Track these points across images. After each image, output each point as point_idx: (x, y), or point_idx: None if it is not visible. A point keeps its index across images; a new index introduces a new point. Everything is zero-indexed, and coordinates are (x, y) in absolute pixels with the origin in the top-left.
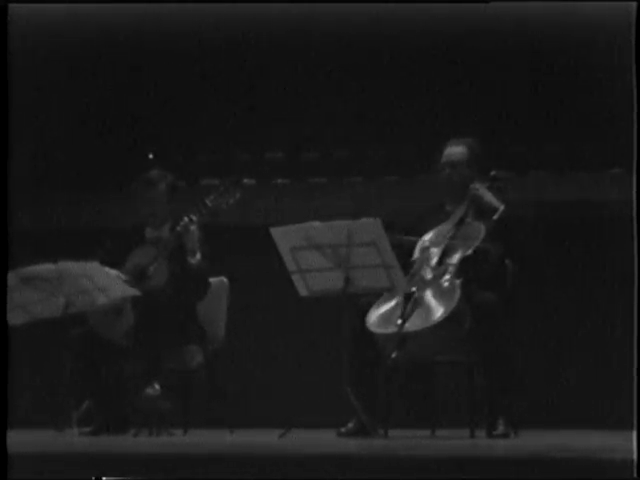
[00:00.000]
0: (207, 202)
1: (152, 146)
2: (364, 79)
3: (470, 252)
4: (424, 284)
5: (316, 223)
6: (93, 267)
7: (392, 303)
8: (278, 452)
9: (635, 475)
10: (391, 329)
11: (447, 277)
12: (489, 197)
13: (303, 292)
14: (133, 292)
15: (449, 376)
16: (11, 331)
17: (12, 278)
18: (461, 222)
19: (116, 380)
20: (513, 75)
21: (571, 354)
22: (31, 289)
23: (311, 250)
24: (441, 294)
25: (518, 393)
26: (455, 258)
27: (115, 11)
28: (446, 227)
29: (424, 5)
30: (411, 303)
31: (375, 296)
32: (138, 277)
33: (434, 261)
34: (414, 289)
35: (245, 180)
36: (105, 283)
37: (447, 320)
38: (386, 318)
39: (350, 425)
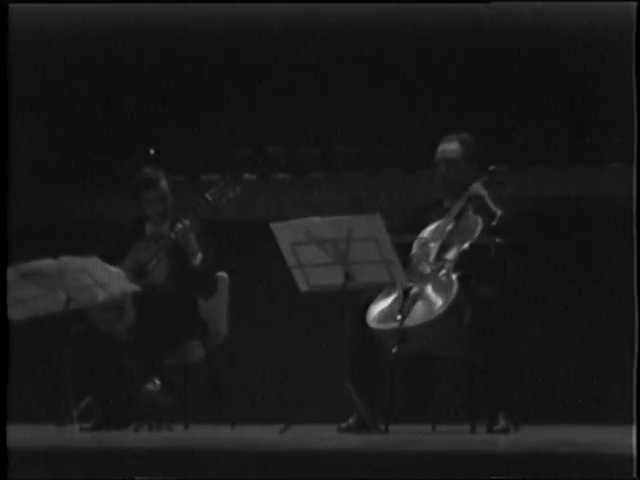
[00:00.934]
0: (207, 197)
1: (152, 141)
2: (364, 74)
3: (467, 246)
4: (423, 279)
5: (316, 218)
6: (93, 262)
7: (391, 299)
8: (279, 448)
9: (635, 475)
10: (391, 325)
11: (445, 271)
12: (488, 201)
13: (303, 287)
14: (133, 288)
15: (450, 371)
16: (11, 327)
17: (12, 274)
18: (459, 217)
19: (116, 375)
20: (513, 71)
21: (571, 349)
22: (31, 285)
23: (311, 245)
24: (440, 288)
25: (518, 388)
26: (453, 253)
27: (115, 11)
28: (444, 222)
29: (424, 5)
30: (410, 298)
31: (375, 291)
32: (138, 273)
33: (432, 256)
34: (413, 284)
35: (245, 175)
36: (105, 279)
37: (447, 315)
38: (386, 314)
39: (351, 421)
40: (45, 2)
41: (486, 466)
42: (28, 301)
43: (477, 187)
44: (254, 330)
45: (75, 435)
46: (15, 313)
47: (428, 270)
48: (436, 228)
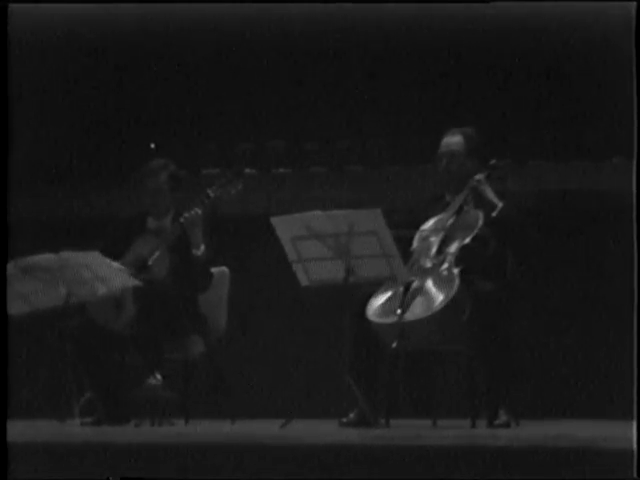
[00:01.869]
0: (209, 192)
1: (153, 136)
2: (365, 69)
3: (468, 240)
4: (423, 273)
5: (317, 212)
6: (94, 257)
7: (391, 293)
8: (279, 442)
9: (635, 475)
10: (391, 319)
11: (446, 266)
12: (490, 193)
13: (304, 282)
14: (134, 282)
15: (450, 366)
16: (12, 321)
17: (12, 268)
18: (460, 211)
19: (117, 370)
20: (514, 67)
21: (572, 344)
22: (32, 279)
23: (312, 240)
24: (440, 282)
25: (519, 382)
26: (454, 247)
27: (115, 10)
28: (445, 216)
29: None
30: (411, 292)
31: (376, 286)
32: (139, 267)
33: (433, 250)
34: (413, 278)
35: (246, 170)
36: (106, 273)
37: (447, 309)
38: (386, 308)
39: (351, 415)
40: (45, 2)
41: (487, 461)
42: (28, 296)
43: (478, 180)
44: (255, 325)
45: (77, 430)
46: (15, 308)
47: (429, 264)
48: (437, 222)
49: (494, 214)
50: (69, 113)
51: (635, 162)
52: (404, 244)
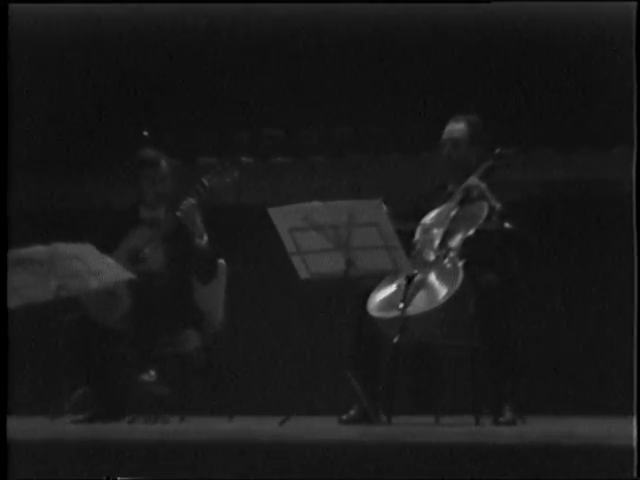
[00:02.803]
0: (204, 181)
1: (149, 125)
2: (365, 56)
3: (472, 232)
4: (426, 266)
5: (316, 203)
6: (87, 250)
7: (393, 286)
8: (279, 439)
9: (635, 475)
10: (393, 313)
11: (449, 258)
12: (487, 195)
13: (303, 275)
14: (128, 276)
15: (453, 361)
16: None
17: None
18: (463, 202)
19: (111, 366)
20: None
21: (575, 338)
22: (23, 272)
23: (311, 231)
24: (444, 276)
25: (522, 379)
26: (457, 239)
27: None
28: (447, 207)
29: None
30: (413, 286)
31: (377, 279)
32: (133, 260)
33: (436, 243)
34: (416, 271)
35: (243, 158)
36: (98, 266)
37: (450, 302)
38: (388, 302)
39: (352, 412)
40: (45, 2)
41: (491, 458)
42: (21, 289)
43: (478, 184)
44: (253, 319)
45: (67, 427)
46: (9, 301)
47: (432, 257)
48: (439, 213)
49: (494, 214)
50: (68, 111)
51: (635, 151)
52: (406, 236)
